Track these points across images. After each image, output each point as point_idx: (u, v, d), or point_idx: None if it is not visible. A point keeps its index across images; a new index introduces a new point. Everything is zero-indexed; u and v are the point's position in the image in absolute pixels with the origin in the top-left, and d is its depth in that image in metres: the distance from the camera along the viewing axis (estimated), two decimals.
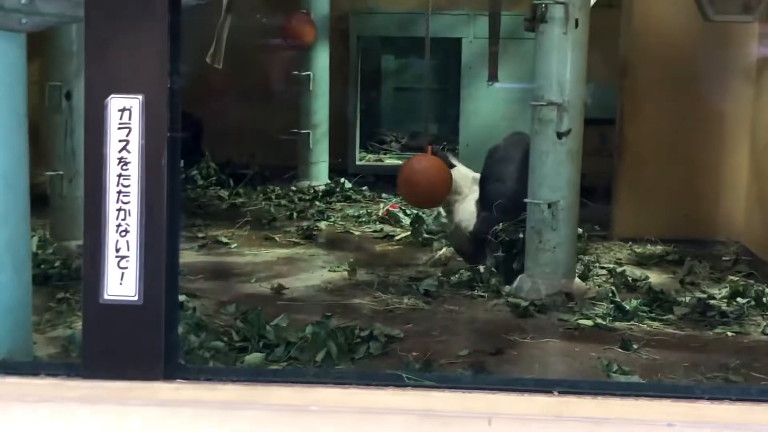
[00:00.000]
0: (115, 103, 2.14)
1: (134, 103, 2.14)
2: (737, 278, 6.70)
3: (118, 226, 2.16)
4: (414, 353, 4.89)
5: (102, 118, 2.13)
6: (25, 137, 3.46)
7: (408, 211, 8.82)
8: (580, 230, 7.02)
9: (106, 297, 2.16)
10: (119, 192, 2.16)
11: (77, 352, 4.49)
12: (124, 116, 2.15)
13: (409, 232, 8.17)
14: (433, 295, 6.12)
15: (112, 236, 2.16)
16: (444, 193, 7.10)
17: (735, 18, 6.87)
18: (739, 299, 6.05)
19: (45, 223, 7.08)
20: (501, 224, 6.63)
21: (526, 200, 6.24)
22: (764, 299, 6.02)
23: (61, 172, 6.91)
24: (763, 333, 5.46)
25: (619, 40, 8.27)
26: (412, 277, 6.58)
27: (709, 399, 2.07)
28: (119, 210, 2.16)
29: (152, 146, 2.14)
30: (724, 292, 6.24)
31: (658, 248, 7.70)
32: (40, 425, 2.16)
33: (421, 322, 5.55)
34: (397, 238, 8.09)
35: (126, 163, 2.15)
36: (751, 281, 6.57)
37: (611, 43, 8.35)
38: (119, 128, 2.14)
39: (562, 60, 6.06)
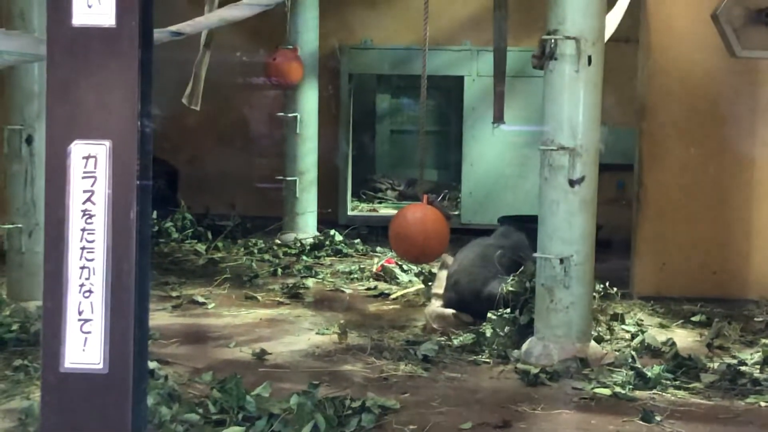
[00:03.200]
0: (79, 149, 2.14)
1: (100, 149, 2.14)
2: None
3: (82, 285, 2.15)
4: (411, 426, 4.85)
5: (64, 166, 2.13)
6: None
7: (405, 267, 8.81)
8: (597, 287, 7.03)
9: (67, 365, 2.15)
10: (83, 248, 2.16)
11: (35, 426, 4.45)
12: (89, 164, 2.15)
13: (407, 290, 8.16)
14: (432, 361, 6.08)
15: (74, 297, 2.15)
16: (439, 249, 7.11)
17: (764, 54, 6.94)
18: None
19: (2, 281, 7.06)
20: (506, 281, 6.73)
21: (535, 255, 6.24)
22: None
23: (20, 225, 6.89)
24: None
25: (636, 78, 8.33)
26: (409, 341, 6.55)
27: None
28: (83, 268, 2.16)
29: (120, 197, 2.14)
30: (757, 357, 6.20)
31: (683, 308, 7.67)
32: None
33: (419, 391, 5.51)
34: (393, 296, 8.06)
35: (90, 216, 2.15)
36: None
37: (628, 82, 8.41)
38: (83, 177, 2.14)
39: (574, 100, 6.09)
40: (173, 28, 5.21)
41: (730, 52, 6.87)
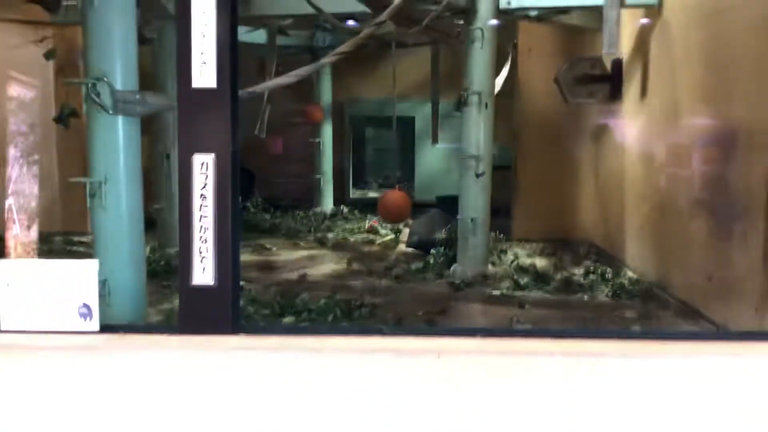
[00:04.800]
0: (197, 158, 2.11)
1: (210, 158, 2.12)
2: (589, 263, 6.73)
3: (201, 237, 2.14)
4: (390, 314, 4.89)
5: (190, 170, 2.11)
6: (141, 184, 3.43)
7: (384, 226, 8.80)
8: (492, 234, 7.06)
9: (194, 282, 2.14)
10: (201, 216, 2.14)
11: (175, 319, 4.45)
12: (204, 168, 2.13)
13: (385, 239, 8.16)
14: (400, 278, 6.11)
15: (197, 244, 2.13)
16: (406, 214, 7.16)
17: (584, 101, 6.95)
18: (590, 276, 6.08)
19: (154, 238, 7.05)
20: (442, 233, 6.78)
21: (457, 218, 6.24)
22: (606, 275, 6.05)
23: (164, 206, 6.86)
24: (606, 296, 5.48)
25: (513, 115, 8.32)
26: (387, 267, 6.58)
27: (575, 337, 2.07)
28: (201, 227, 2.14)
29: (222, 186, 2.12)
30: (580, 272, 6.27)
31: (541, 245, 7.73)
32: (154, 363, 2.13)
33: (393, 295, 5.55)
34: (377, 243, 8.07)
35: (205, 198, 2.13)
36: (598, 264, 6.61)
37: (508, 118, 8.41)
38: (200, 174, 2.12)
39: (477, 129, 6.09)
40: (249, 89, 5.16)
41: (565, 100, 6.88)
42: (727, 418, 1.94)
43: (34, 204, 7.25)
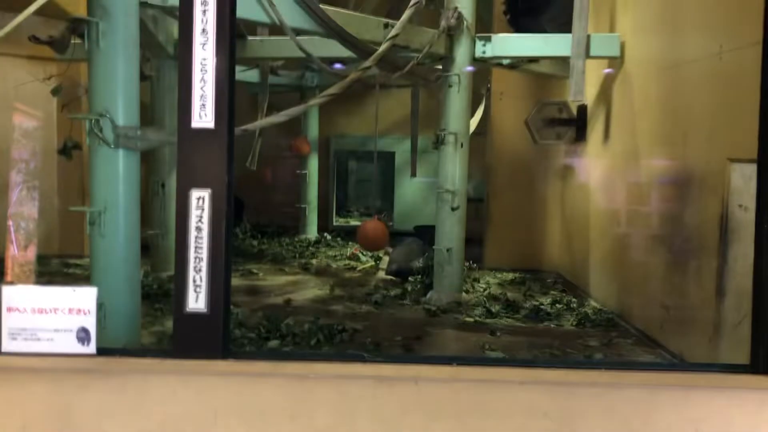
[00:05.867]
0: (195, 193, 2.12)
1: (206, 193, 2.13)
2: (556, 292, 6.77)
3: (195, 266, 2.13)
4: (369, 339, 4.86)
5: (187, 203, 2.12)
6: (138, 214, 3.42)
7: (365, 253, 8.78)
8: (465, 263, 7.09)
9: (187, 309, 2.13)
10: (196, 247, 2.14)
11: (168, 342, 4.39)
12: (200, 201, 2.13)
13: (366, 266, 8.14)
14: (380, 303, 6.09)
15: (191, 273, 2.13)
16: (384, 243, 7.16)
17: (552, 142, 7.06)
18: (557, 305, 6.10)
19: (148, 262, 6.96)
20: (419, 261, 6.79)
21: (434, 247, 6.27)
22: (571, 305, 6.08)
23: (158, 231, 6.80)
24: (571, 325, 5.51)
25: (486, 153, 8.41)
26: (367, 293, 6.55)
27: (543, 367, 2.08)
28: (196, 257, 2.14)
29: (216, 217, 2.12)
30: (548, 300, 6.29)
31: (510, 275, 7.75)
32: (148, 386, 2.11)
33: (373, 320, 5.52)
34: (358, 269, 8.05)
35: (200, 230, 2.13)
36: (564, 294, 6.64)
37: (482, 156, 8.50)
38: (196, 208, 2.13)
39: (453, 166, 6.15)
40: (243, 127, 5.17)
41: (534, 141, 6.98)
42: None
43: (33, 227, 7.16)
